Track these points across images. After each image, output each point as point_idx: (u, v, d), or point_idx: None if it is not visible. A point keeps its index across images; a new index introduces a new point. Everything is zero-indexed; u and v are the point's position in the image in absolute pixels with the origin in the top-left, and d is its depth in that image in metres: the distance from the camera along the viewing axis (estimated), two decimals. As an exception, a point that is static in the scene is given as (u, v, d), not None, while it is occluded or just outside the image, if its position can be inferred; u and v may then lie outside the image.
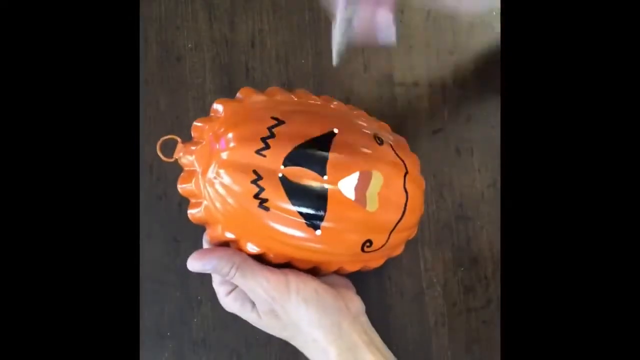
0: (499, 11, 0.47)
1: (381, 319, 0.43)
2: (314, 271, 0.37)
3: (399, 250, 0.40)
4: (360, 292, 0.40)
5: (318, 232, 0.34)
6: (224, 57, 0.46)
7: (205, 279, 0.44)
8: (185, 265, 0.44)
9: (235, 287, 0.37)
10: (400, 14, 0.47)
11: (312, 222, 0.34)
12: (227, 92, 0.45)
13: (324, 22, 0.46)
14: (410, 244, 0.43)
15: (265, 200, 0.33)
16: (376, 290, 0.44)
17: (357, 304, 0.39)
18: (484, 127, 0.46)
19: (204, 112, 0.37)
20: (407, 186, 0.36)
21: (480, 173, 0.46)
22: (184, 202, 0.45)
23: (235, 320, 0.44)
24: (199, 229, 0.39)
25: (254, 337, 0.44)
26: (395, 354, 0.43)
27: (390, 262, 0.44)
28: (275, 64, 0.46)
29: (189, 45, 0.46)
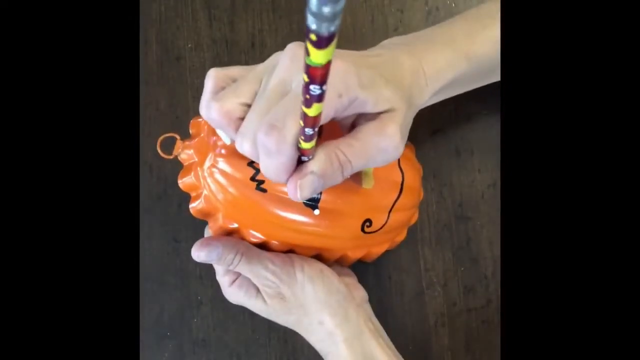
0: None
1: (381, 319, 0.43)
2: (317, 259, 0.37)
3: (401, 235, 0.40)
4: (360, 292, 0.40)
5: (316, 211, 0.34)
6: (224, 57, 0.46)
7: (205, 279, 0.44)
8: (185, 265, 0.44)
9: (239, 276, 0.37)
10: (400, 13, 0.47)
11: (310, 202, 0.34)
12: (227, 92, 0.45)
13: (324, 22, 0.46)
14: (410, 244, 0.43)
15: (262, 182, 0.34)
16: (376, 290, 0.44)
17: (360, 292, 0.39)
18: (484, 127, 0.46)
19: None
20: (402, 165, 0.37)
21: (480, 173, 0.46)
22: (184, 202, 0.45)
23: (235, 320, 0.44)
24: (199, 229, 0.39)
25: (254, 337, 0.44)
26: (395, 354, 0.43)
27: (390, 262, 0.44)
28: (275, 64, 0.46)
29: (189, 45, 0.46)
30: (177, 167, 0.45)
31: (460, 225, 0.45)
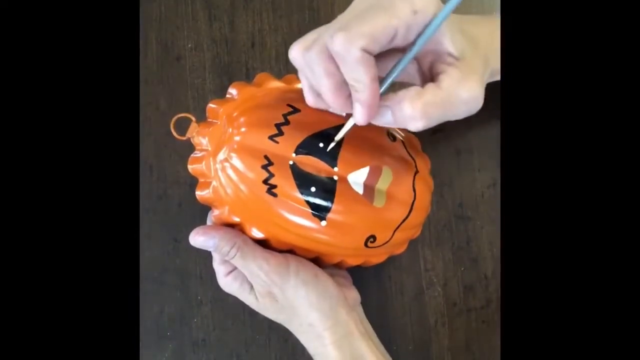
0: (499, 11, 0.47)
1: (381, 319, 0.43)
2: (316, 262, 0.37)
3: (401, 249, 0.40)
4: (361, 292, 0.40)
5: (323, 223, 0.34)
6: (224, 57, 0.46)
7: (205, 279, 0.44)
8: (185, 265, 0.44)
9: (235, 267, 0.37)
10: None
11: (319, 212, 0.34)
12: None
13: (323, 22, 0.46)
14: (410, 244, 0.43)
15: (274, 187, 0.33)
16: (376, 290, 0.44)
17: (354, 295, 0.39)
18: (484, 127, 0.46)
19: (204, 112, 0.37)
20: (415, 185, 0.36)
21: (480, 173, 0.46)
22: (184, 202, 0.45)
23: (235, 320, 0.44)
24: (199, 229, 0.39)
25: (254, 337, 0.44)
26: (395, 354, 0.43)
27: (390, 262, 0.44)
28: (275, 64, 0.46)
29: (189, 45, 0.46)
30: (177, 167, 0.45)
31: (460, 225, 0.45)
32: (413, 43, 0.29)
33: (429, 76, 0.31)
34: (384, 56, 0.29)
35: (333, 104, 0.30)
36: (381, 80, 0.29)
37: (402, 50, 0.29)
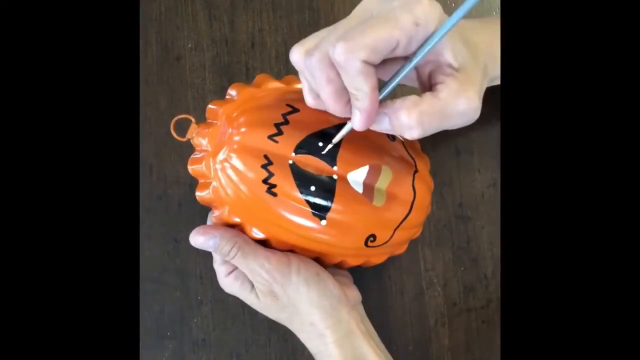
0: (499, 11, 0.47)
1: (381, 319, 0.43)
2: (316, 261, 0.37)
3: (402, 249, 0.40)
4: (361, 292, 0.40)
5: (323, 222, 0.34)
6: (224, 57, 0.46)
7: (205, 279, 0.44)
8: (185, 265, 0.44)
9: (236, 267, 0.37)
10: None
11: (319, 211, 0.34)
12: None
13: (323, 21, 0.46)
14: (410, 244, 0.43)
15: (274, 186, 0.33)
16: (376, 290, 0.44)
17: (354, 294, 0.39)
18: (484, 127, 0.46)
19: (204, 112, 0.37)
20: (415, 184, 0.36)
21: (480, 173, 0.46)
22: (184, 202, 0.45)
23: (235, 320, 0.44)
24: (199, 229, 0.39)
25: (254, 337, 0.44)
26: (395, 353, 0.43)
27: (390, 262, 0.44)
28: (275, 64, 0.46)
29: (189, 45, 0.46)
30: (177, 167, 0.45)
31: (460, 225, 0.45)
32: (414, 53, 0.29)
33: (427, 84, 0.31)
34: (386, 62, 0.30)
35: (332, 108, 0.30)
36: (381, 86, 0.30)
37: (404, 57, 0.29)
